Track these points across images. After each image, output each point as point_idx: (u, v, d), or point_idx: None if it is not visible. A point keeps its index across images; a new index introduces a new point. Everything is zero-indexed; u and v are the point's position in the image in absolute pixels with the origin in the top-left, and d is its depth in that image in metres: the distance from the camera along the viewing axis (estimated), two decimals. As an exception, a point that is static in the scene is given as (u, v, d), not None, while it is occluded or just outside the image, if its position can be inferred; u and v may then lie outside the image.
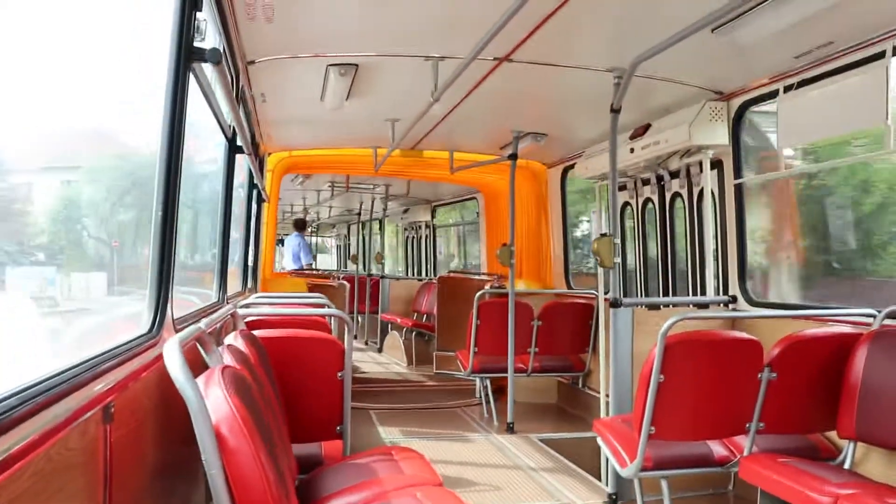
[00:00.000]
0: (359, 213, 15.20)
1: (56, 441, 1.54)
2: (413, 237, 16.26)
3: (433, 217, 14.80)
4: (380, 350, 12.85)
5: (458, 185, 10.65)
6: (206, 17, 3.01)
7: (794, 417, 4.18)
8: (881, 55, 4.19)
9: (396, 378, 10.37)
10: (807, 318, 4.79)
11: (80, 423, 1.70)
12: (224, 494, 2.02)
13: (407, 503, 3.07)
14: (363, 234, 14.74)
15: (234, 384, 2.27)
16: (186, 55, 2.79)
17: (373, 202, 14.26)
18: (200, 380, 2.21)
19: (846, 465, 4.06)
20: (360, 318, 14.22)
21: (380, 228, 14.75)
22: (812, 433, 4.48)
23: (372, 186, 12.69)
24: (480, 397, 8.23)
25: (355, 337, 14.16)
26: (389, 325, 12.54)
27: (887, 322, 4.19)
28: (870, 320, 4.27)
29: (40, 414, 1.50)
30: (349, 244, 18.08)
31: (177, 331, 2.84)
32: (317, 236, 22.90)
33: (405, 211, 15.81)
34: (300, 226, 14.86)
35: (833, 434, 4.26)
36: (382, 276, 13.67)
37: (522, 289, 8.46)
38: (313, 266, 14.95)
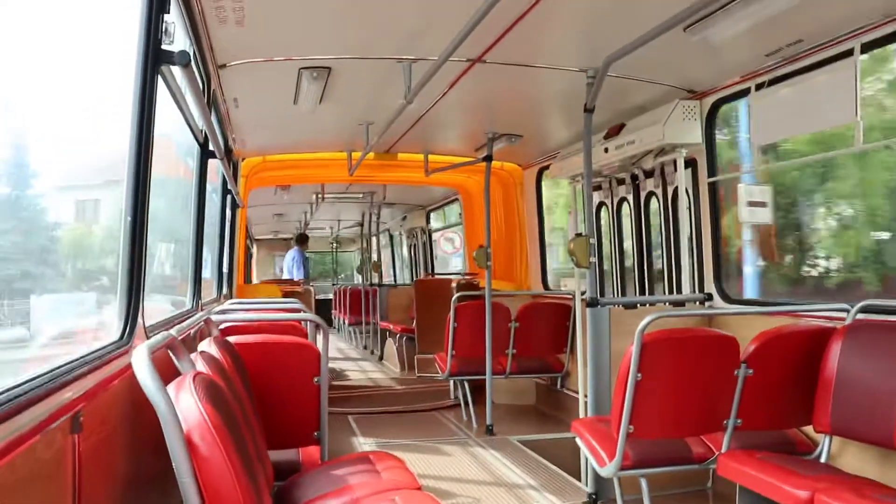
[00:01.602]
0: (361, 224, 15.16)
1: (21, 451, 1.50)
2: (414, 243, 16.32)
3: (427, 222, 14.84)
4: (380, 359, 12.84)
5: (445, 188, 10.64)
6: (174, 20, 2.97)
7: (770, 413, 4.20)
8: (850, 52, 4.23)
9: (375, 384, 10.32)
10: (781, 314, 4.83)
11: (48, 433, 1.66)
12: (196, 502, 1.98)
13: None
14: (367, 245, 14.76)
15: (206, 391, 2.23)
16: (154, 58, 2.75)
17: (372, 212, 14.24)
18: (171, 387, 2.17)
19: (822, 459, 4.09)
20: (365, 328, 14.29)
21: (376, 237, 14.77)
22: (789, 428, 4.51)
23: (361, 195, 12.66)
24: (459, 399, 8.20)
25: (365, 347, 14.16)
26: (387, 333, 12.51)
27: (860, 316, 4.22)
28: (843, 315, 4.30)
29: (5, 423, 1.46)
30: (369, 257, 18.31)
31: (149, 338, 2.79)
32: (336, 252, 22.97)
33: (404, 218, 15.89)
34: (300, 240, 14.80)
35: (809, 429, 4.28)
36: (380, 285, 13.67)
37: (499, 290, 8.44)
38: (308, 283, 14.88)
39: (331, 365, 12.28)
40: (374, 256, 15.25)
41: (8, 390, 1.57)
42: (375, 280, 14.63)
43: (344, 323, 17.07)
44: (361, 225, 15.10)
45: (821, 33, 4.30)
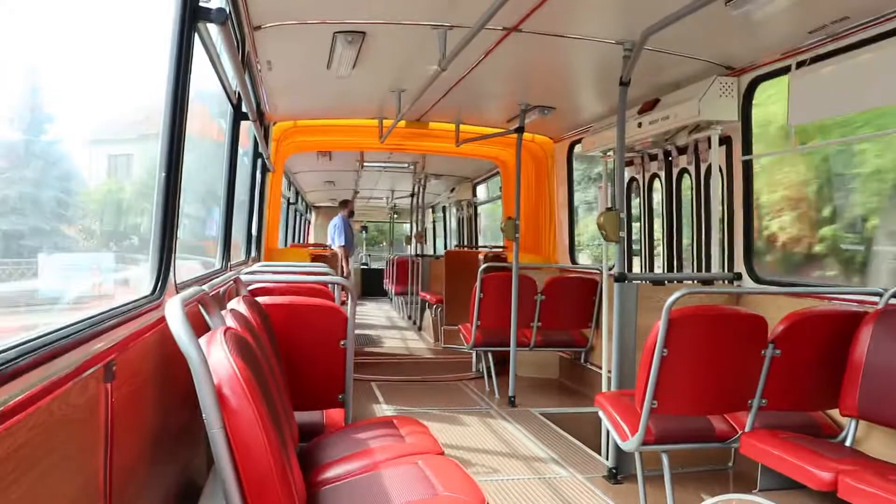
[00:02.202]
0: (412, 195, 15.25)
1: (57, 395, 1.53)
2: (462, 216, 16.38)
3: (474, 194, 14.87)
4: (420, 328, 12.96)
5: (484, 160, 10.61)
6: None
7: (796, 394, 4.17)
8: (897, 31, 4.13)
9: (403, 352, 10.39)
10: (812, 296, 4.77)
11: (82, 380, 1.69)
12: (225, 454, 2.01)
13: (408, 470, 3.07)
14: (417, 216, 14.91)
15: (237, 345, 2.26)
16: (192, 14, 2.75)
17: (419, 183, 14.26)
18: (202, 340, 2.20)
19: (847, 443, 4.06)
20: (410, 298, 14.46)
21: (421, 209, 14.82)
22: (814, 410, 4.48)
23: (406, 165, 12.67)
24: (482, 371, 8.24)
25: (409, 317, 14.35)
26: (426, 304, 12.58)
27: (893, 301, 4.16)
28: (876, 299, 4.25)
29: (41, 367, 1.49)
30: (426, 228, 18.49)
31: (179, 294, 2.83)
32: (392, 222, 23.26)
33: (452, 190, 15.94)
34: (343, 205, 14.86)
35: (835, 412, 4.25)
36: (423, 256, 13.76)
37: (526, 262, 8.43)
38: (350, 251, 15.03)
39: (369, 332, 12.44)
40: (423, 227, 15.32)
41: (43, 336, 1.60)
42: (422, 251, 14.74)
43: (392, 292, 17.36)
44: (413, 196, 15.15)
45: (867, 10, 4.19)
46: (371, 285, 21.81)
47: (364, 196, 18.62)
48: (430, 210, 20.33)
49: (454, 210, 17.51)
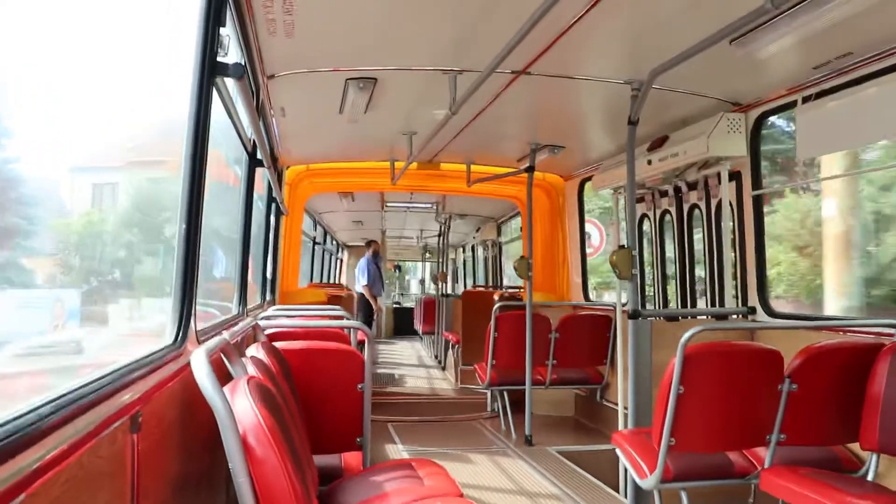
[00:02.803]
0: (439, 235, 15.39)
1: (87, 449, 1.57)
2: (487, 256, 16.45)
3: (499, 234, 14.95)
4: (444, 368, 12.93)
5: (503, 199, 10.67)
6: (228, 33, 3.06)
7: (815, 429, 4.15)
8: (900, 65, 4.19)
9: (420, 392, 10.36)
10: (827, 329, 4.76)
11: (110, 432, 1.73)
12: (251, 503, 2.04)
13: None
14: (442, 256, 15.04)
15: (260, 394, 2.30)
16: (210, 70, 2.84)
17: (443, 223, 14.37)
18: (227, 390, 2.24)
19: (869, 478, 4.02)
20: (436, 338, 14.47)
21: (444, 249, 14.99)
22: (834, 445, 4.45)
23: (429, 205, 12.74)
24: (497, 410, 8.21)
25: (435, 356, 14.38)
26: (449, 343, 12.58)
27: (910, 333, 4.16)
28: (892, 331, 4.24)
29: (73, 422, 1.53)
30: (455, 268, 18.55)
31: (200, 342, 2.87)
32: (424, 261, 23.41)
33: (477, 230, 16.07)
34: (368, 246, 15.07)
35: (855, 446, 4.22)
36: (446, 296, 13.81)
37: (540, 301, 8.44)
38: (378, 292, 15.17)
39: (394, 371, 12.43)
40: (446, 268, 15.39)
41: (73, 390, 1.65)
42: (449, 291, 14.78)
43: (421, 331, 17.49)
44: (440, 236, 15.30)
45: (870, 46, 4.26)
46: (403, 324, 21.87)
47: (394, 235, 18.77)
48: (461, 249, 20.41)
49: (481, 250, 17.59)
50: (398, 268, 25.48)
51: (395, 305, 23.49)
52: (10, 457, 1.26)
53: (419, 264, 26.10)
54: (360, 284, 14.51)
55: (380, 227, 16.80)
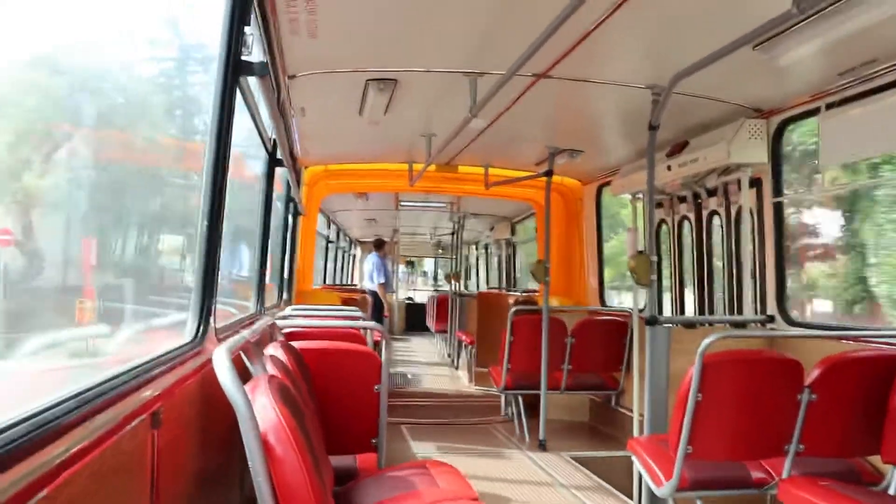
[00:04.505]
0: (453, 234, 15.41)
1: (109, 445, 1.57)
2: (500, 255, 16.43)
3: (513, 233, 14.91)
4: (457, 367, 12.88)
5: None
6: (252, 32, 3.07)
7: (835, 440, 4.10)
8: (925, 73, 4.14)
9: (435, 393, 10.35)
10: (847, 338, 4.72)
11: (131, 428, 1.74)
12: (269, 501, 2.04)
13: None
14: (456, 254, 15.06)
15: (280, 393, 2.30)
16: (234, 68, 2.85)
17: (456, 222, 14.37)
18: (247, 388, 2.24)
19: (891, 492, 3.98)
20: (448, 336, 14.45)
21: (458, 247, 15.02)
22: (854, 457, 4.40)
23: (443, 205, 12.78)
24: (511, 414, 8.19)
25: (448, 356, 14.37)
26: (462, 343, 12.56)
27: (932, 344, 4.11)
28: None
29: (96, 417, 1.53)
30: (468, 266, 18.57)
31: (219, 340, 2.88)
32: (437, 258, 23.46)
33: (491, 229, 16.06)
34: (377, 245, 15.15)
35: (876, 459, 4.17)
36: (460, 295, 13.76)
37: (556, 305, 8.41)
38: (388, 289, 15.22)
39: (406, 370, 12.44)
40: (459, 267, 15.39)
41: (97, 386, 1.66)
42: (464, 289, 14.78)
43: (433, 329, 17.50)
44: (453, 234, 15.31)
45: (895, 53, 4.21)
46: (416, 320, 21.88)
47: (408, 232, 18.78)
48: (474, 246, 20.40)
49: (494, 248, 17.55)
50: (411, 264, 25.41)
51: (407, 301, 23.48)
52: (32, 452, 1.27)
53: (431, 260, 26.03)
54: (372, 282, 14.57)
55: (393, 226, 16.80)
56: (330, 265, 16.75)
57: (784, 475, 4.06)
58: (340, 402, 4.28)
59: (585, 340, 7.68)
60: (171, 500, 2.14)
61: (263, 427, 2.11)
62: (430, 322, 18.09)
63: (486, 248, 19.34)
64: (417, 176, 8.10)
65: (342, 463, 4.29)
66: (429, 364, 13.94)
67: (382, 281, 14.48)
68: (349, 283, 20.08)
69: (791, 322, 5.50)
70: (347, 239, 19.73)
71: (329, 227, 15.03)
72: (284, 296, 7.71)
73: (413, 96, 5.57)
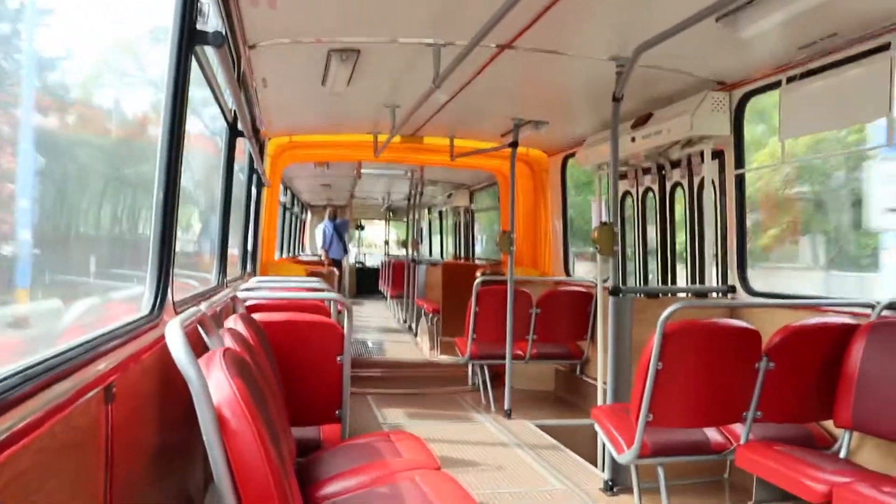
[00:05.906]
0: (408, 199, 15.30)
1: (59, 419, 1.55)
2: (458, 222, 16.42)
3: (472, 202, 14.88)
4: (415, 335, 12.87)
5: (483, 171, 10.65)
6: (208, 1, 3.00)
7: (790, 406, 4.20)
8: (885, 47, 4.19)
9: (399, 363, 10.37)
10: (804, 307, 4.81)
11: (83, 403, 1.71)
12: (225, 475, 2.03)
13: (406, 487, 3.09)
14: (412, 220, 14.95)
15: (236, 366, 2.28)
16: (189, 38, 2.78)
17: (415, 189, 14.30)
18: (202, 361, 2.22)
19: (842, 454, 4.09)
20: (405, 302, 14.46)
21: (414, 214, 14.92)
22: (808, 422, 4.51)
23: (403, 172, 12.71)
24: (477, 384, 8.25)
25: (404, 321, 14.37)
26: (422, 311, 12.56)
27: (885, 313, 4.20)
28: (868, 311, 4.29)
29: (44, 392, 1.50)
30: (421, 231, 18.46)
31: (177, 313, 2.85)
32: (389, 222, 23.29)
33: (449, 196, 15.98)
34: (332, 216, 15.13)
35: (829, 423, 4.28)
36: (417, 262, 13.75)
37: (521, 276, 8.45)
38: (333, 255, 15.23)
39: (364, 336, 12.44)
40: (417, 233, 15.35)
41: (46, 360, 1.62)
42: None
43: (387, 294, 17.42)
44: (408, 199, 15.23)
45: (856, 27, 4.25)
46: (366, 284, 21.90)
47: (360, 196, 18.67)
48: (427, 210, 20.34)
49: (451, 215, 17.53)
50: (360, 227, 25.22)
51: (358, 265, 23.45)
52: None
53: (382, 224, 25.90)
54: (327, 247, 14.74)
55: (349, 190, 16.72)
56: (287, 230, 16.64)
57: (742, 441, 4.15)
58: (303, 374, 4.28)
59: (550, 311, 7.74)
60: (127, 476, 2.12)
61: (218, 400, 2.09)
62: (384, 287, 18.11)
63: (441, 214, 19.25)
64: (382, 147, 8.06)
65: (305, 434, 4.29)
66: (387, 331, 13.91)
67: (324, 245, 14.68)
68: (298, 251, 20.03)
69: (751, 292, 5.59)
70: (300, 204, 19.60)
71: (285, 192, 14.92)
72: (248, 267, 7.65)
73: (376, 67, 5.52)
